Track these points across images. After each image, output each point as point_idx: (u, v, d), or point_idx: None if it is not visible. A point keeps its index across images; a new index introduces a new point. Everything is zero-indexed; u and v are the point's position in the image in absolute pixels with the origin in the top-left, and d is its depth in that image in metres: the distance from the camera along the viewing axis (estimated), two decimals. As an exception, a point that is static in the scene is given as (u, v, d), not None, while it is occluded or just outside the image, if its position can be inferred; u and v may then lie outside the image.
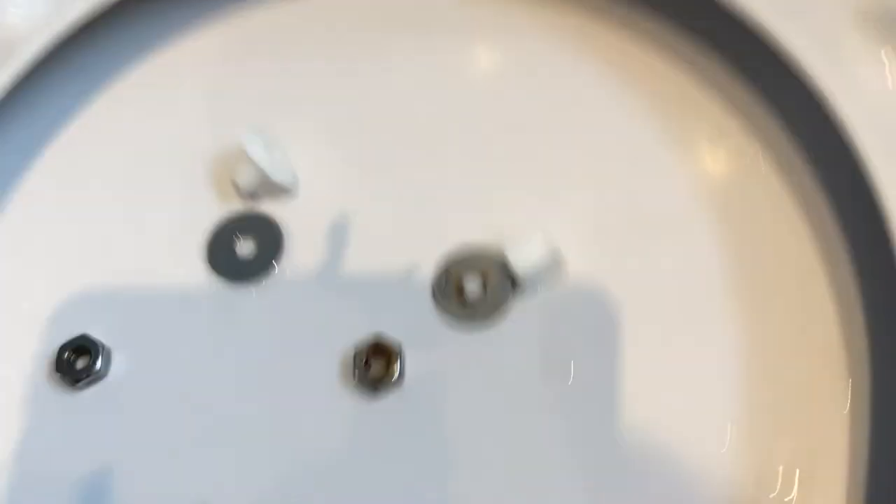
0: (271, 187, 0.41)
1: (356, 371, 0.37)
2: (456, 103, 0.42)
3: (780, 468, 0.34)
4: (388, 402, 0.37)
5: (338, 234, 0.41)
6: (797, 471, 0.34)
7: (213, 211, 0.41)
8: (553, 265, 0.37)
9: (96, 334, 0.39)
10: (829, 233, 0.37)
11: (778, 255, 0.37)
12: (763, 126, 0.39)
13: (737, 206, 0.39)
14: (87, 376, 0.38)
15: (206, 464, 0.37)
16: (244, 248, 0.41)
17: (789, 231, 0.38)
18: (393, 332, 0.38)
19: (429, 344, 0.38)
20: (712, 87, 0.40)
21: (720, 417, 0.35)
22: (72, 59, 0.42)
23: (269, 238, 0.40)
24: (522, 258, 0.37)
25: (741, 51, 0.39)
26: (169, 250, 0.41)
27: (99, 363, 0.38)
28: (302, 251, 0.40)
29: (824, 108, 0.35)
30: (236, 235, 0.41)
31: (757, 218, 0.38)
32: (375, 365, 0.37)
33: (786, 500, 0.34)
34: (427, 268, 0.39)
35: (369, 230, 0.40)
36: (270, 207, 0.41)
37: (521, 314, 0.38)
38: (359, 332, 0.38)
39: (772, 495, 0.34)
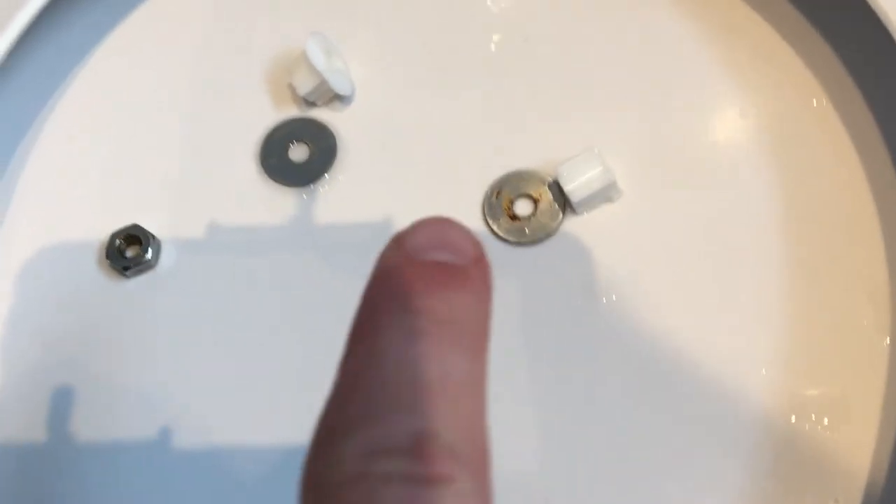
0: (328, 94, 0.41)
1: (403, 279, 0.37)
2: (517, 26, 0.42)
3: (817, 393, 0.35)
4: (432, 312, 0.38)
5: (391, 147, 0.41)
6: (833, 398, 0.35)
7: (267, 114, 0.42)
8: (605, 184, 0.37)
9: (148, 226, 0.39)
10: (882, 170, 0.37)
11: (829, 189, 0.38)
12: (822, 60, 0.39)
13: (790, 139, 0.39)
14: (137, 265, 0.39)
15: (244, 361, 0.38)
16: (297, 152, 0.41)
17: (842, 166, 0.38)
18: (441, 245, 0.38)
19: (476, 258, 0.38)
20: (773, 20, 0.41)
21: (762, 343, 0.36)
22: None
23: (323, 144, 0.41)
24: (574, 172, 0.37)
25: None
26: (222, 150, 0.41)
27: (149, 253, 0.39)
28: (354, 160, 0.41)
29: (886, 40, 0.35)
30: (290, 139, 0.41)
31: (810, 152, 0.38)
32: (422, 274, 0.38)
33: (820, 427, 0.35)
34: (478, 187, 0.39)
35: (423, 146, 0.41)
36: (325, 115, 0.41)
37: (569, 234, 0.38)
38: (407, 243, 0.38)
39: (811, 418, 0.35)
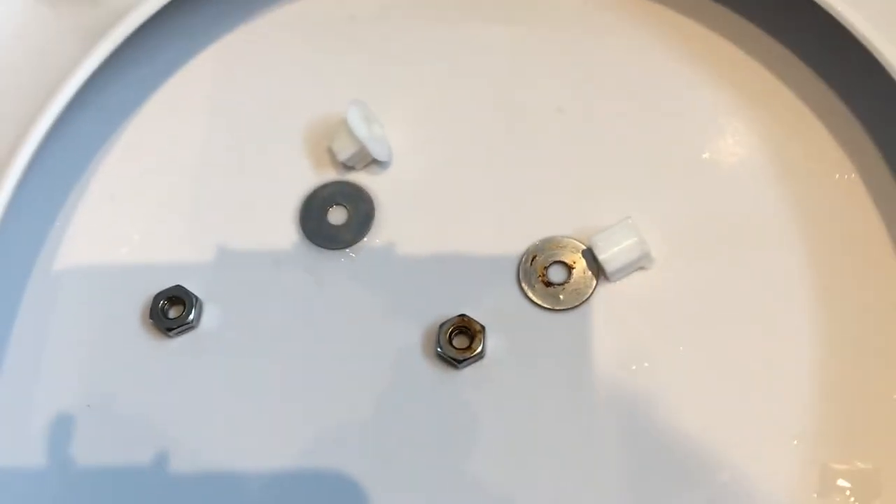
0: (367, 159, 0.42)
1: (440, 345, 0.38)
2: (551, 96, 0.43)
3: (848, 468, 0.36)
4: (467, 375, 0.39)
5: (427, 212, 0.42)
6: (864, 473, 0.35)
7: (307, 177, 0.42)
8: (640, 255, 0.38)
9: (190, 286, 0.40)
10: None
11: (860, 261, 0.38)
12: (850, 134, 0.40)
13: (821, 212, 0.40)
14: (180, 326, 0.40)
15: (284, 420, 0.39)
16: (336, 216, 0.42)
17: (872, 239, 0.39)
18: (476, 309, 0.39)
19: (511, 324, 0.39)
20: (803, 94, 0.41)
21: (793, 414, 0.36)
22: (175, 19, 0.43)
23: (361, 208, 0.42)
24: (609, 243, 0.38)
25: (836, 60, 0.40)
26: (263, 212, 0.42)
27: (192, 314, 0.40)
28: (392, 224, 0.42)
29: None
30: (329, 203, 0.42)
31: (840, 226, 0.39)
32: (459, 341, 0.39)
33: (850, 502, 0.35)
34: (513, 253, 0.40)
35: (458, 212, 0.42)
36: (364, 178, 0.42)
37: (602, 302, 0.39)
38: (443, 307, 0.39)
39: (841, 493, 0.35)
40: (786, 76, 0.42)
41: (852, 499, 0.35)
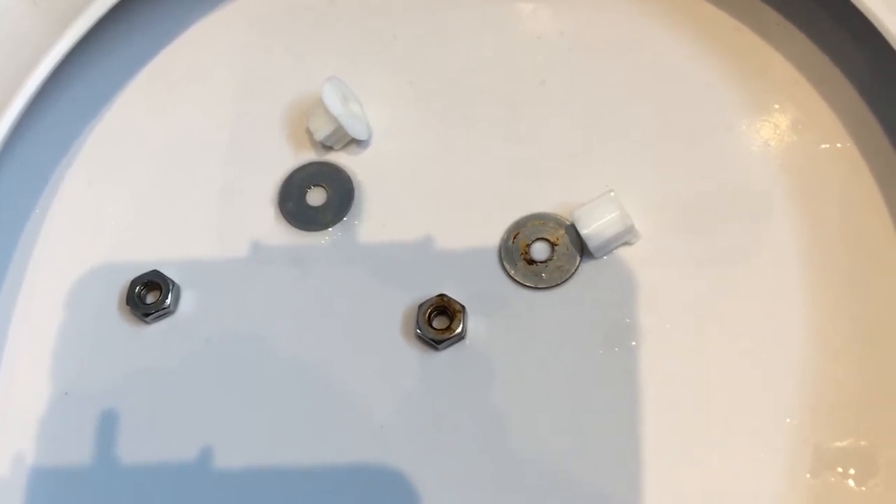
0: (345, 138, 0.41)
1: (419, 326, 0.37)
2: (536, 71, 0.42)
3: (844, 445, 0.34)
4: (448, 357, 0.38)
5: (407, 191, 0.41)
6: (860, 451, 0.34)
7: (286, 158, 0.42)
8: (623, 229, 0.37)
9: (167, 271, 0.40)
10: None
11: (854, 230, 0.37)
12: (846, 101, 0.39)
13: (813, 180, 0.38)
14: (157, 311, 0.39)
15: (264, 403, 0.38)
16: (315, 196, 0.41)
17: (868, 206, 0.37)
18: (457, 290, 0.38)
19: (492, 304, 0.38)
20: (798, 62, 0.40)
21: (788, 391, 0.35)
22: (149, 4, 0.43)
23: (340, 189, 0.41)
24: (590, 217, 0.37)
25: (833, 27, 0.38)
26: (242, 195, 0.41)
27: (169, 299, 0.39)
28: (372, 204, 0.41)
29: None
30: (308, 184, 0.41)
31: (833, 195, 0.38)
32: (438, 321, 0.38)
33: (845, 480, 0.34)
34: (495, 231, 0.39)
35: (439, 190, 0.40)
36: (343, 158, 0.41)
37: (586, 279, 0.38)
38: (424, 287, 0.38)
39: (837, 471, 0.34)
40: (778, 42, 0.40)
41: (847, 478, 0.34)
